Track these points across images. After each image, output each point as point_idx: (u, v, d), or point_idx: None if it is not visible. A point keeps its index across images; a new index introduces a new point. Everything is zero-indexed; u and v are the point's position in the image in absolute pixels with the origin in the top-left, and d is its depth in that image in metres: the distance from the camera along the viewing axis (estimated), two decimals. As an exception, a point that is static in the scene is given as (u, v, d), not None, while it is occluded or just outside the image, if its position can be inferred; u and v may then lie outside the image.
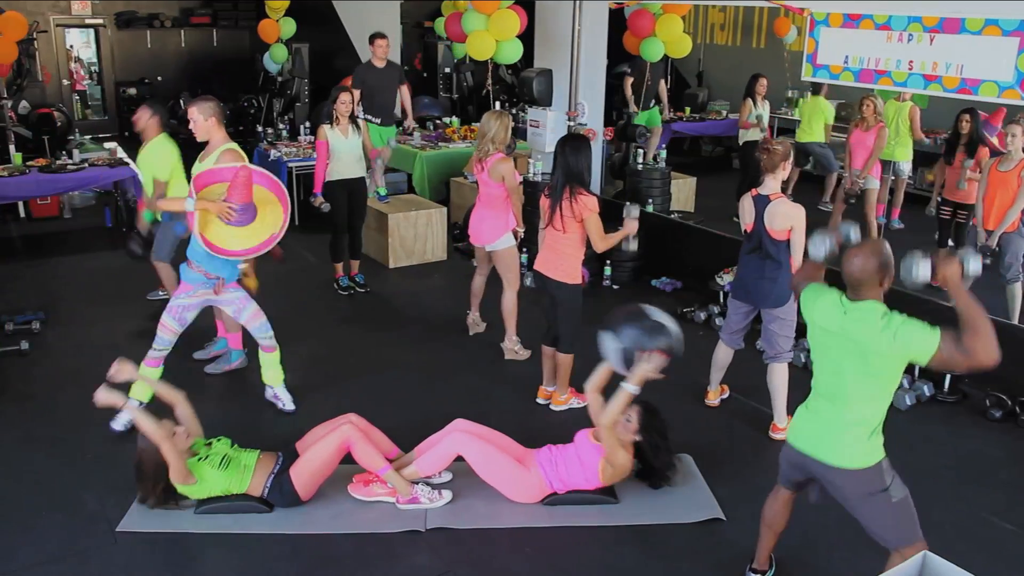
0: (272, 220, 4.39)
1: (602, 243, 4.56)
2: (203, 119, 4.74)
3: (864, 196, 7.61)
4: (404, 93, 8.15)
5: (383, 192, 7.77)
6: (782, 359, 4.50)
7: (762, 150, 4.37)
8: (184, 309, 4.53)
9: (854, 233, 3.06)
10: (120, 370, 3.98)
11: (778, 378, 4.53)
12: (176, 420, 3.89)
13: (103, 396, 3.89)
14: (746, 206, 4.46)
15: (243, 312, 4.66)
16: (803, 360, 5.32)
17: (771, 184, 4.37)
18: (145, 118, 5.72)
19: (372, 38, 7.84)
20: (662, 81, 9.29)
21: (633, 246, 4.74)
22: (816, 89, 8.81)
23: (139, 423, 3.69)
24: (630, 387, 3.72)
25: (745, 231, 4.52)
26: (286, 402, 4.82)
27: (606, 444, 3.82)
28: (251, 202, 4.30)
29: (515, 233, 5.49)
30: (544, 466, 3.93)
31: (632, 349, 3.70)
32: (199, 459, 3.78)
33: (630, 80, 8.78)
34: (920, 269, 2.78)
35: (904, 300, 3.17)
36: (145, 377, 4.27)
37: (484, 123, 5.44)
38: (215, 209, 4.25)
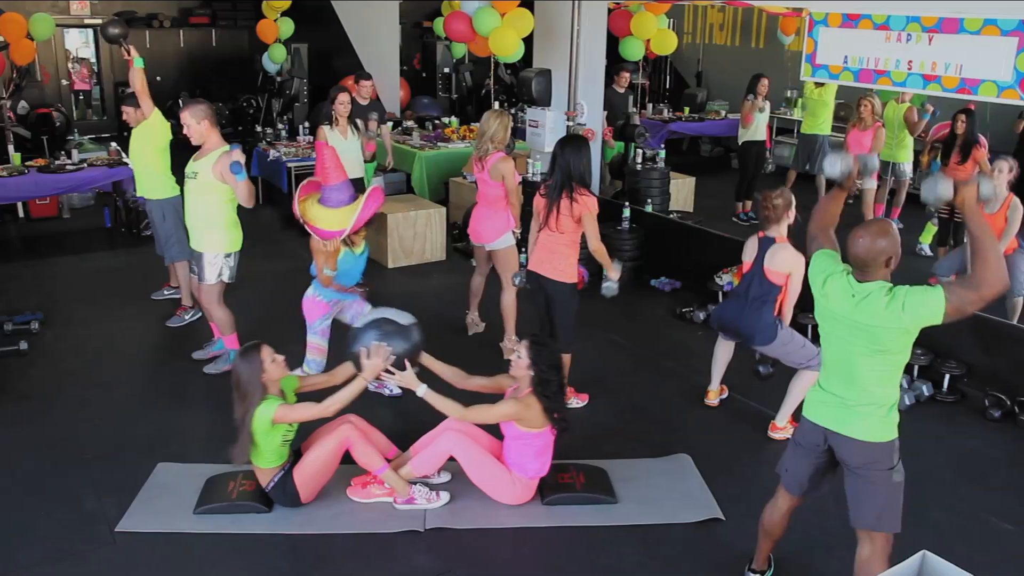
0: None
1: (597, 244, 4.56)
2: (195, 122, 4.73)
3: (861, 196, 7.60)
4: (384, 132, 7.96)
5: None
6: (815, 367, 4.29)
7: (763, 206, 4.43)
8: (326, 328, 4.68)
9: (871, 162, 3.02)
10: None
11: (802, 385, 4.43)
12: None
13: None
14: (749, 245, 4.53)
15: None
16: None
17: (776, 230, 4.44)
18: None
19: (357, 78, 7.69)
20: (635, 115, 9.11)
21: (613, 290, 4.67)
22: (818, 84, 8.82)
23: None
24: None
25: (742, 271, 4.58)
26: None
27: (474, 419, 3.89)
28: (346, 179, 4.42)
29: (513, 233, 5.49)
30: (511, 462, 3.90)
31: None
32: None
33: (604, 114, 8.49)
34: (941, 187, 2.84)
35: (907, 270, 3.15)
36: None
37: (484, 122, 5.43)
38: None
